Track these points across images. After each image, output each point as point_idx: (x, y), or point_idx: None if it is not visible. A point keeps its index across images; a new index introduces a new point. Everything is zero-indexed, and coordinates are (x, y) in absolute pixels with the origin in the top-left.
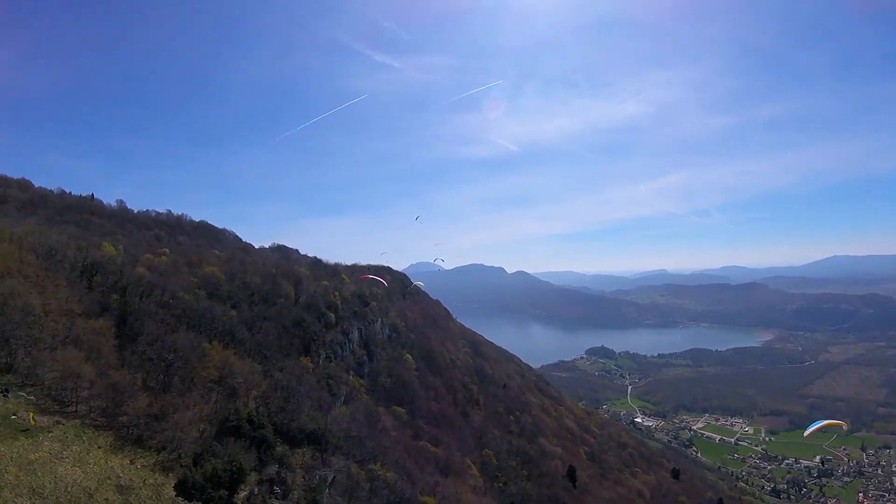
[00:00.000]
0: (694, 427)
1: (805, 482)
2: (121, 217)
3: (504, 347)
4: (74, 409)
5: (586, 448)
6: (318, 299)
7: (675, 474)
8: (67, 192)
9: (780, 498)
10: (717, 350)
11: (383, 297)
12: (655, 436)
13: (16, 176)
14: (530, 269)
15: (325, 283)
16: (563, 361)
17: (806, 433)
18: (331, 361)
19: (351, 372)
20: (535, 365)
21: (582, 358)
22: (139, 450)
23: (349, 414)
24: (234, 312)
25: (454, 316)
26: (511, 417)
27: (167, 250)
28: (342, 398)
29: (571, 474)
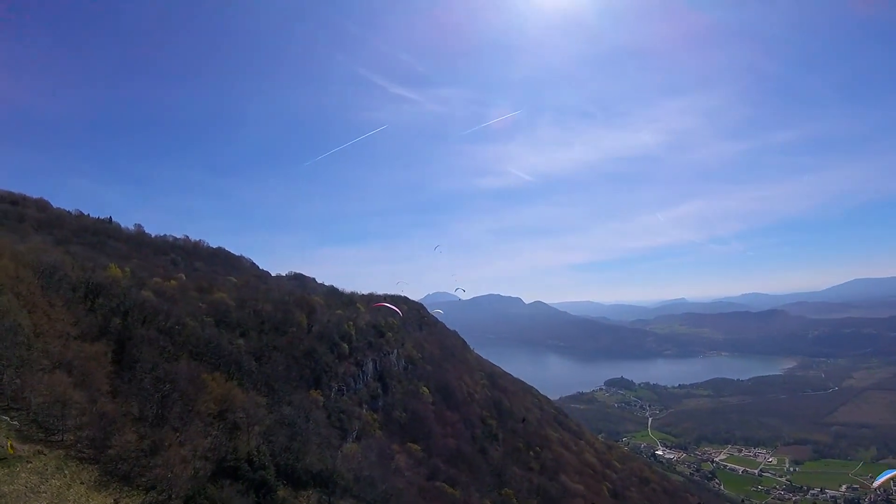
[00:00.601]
0: (716, 459)
1: None
2: (137, 241)
3: (522, 379)
4: (60, 438)
5: (608, 484)
6: (331, 329)
7: None
8: (85, 214)
9: None
10: (738, 379)
11: (399, 327)
12: (677, 469)
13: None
14: (548, 300)
15: (340, 312)
16: (582, 393)
17: (875, 484)
18: (343, 394)
19: (364, 406)
20: (553, 397)
21: (601, 389)
22: (126, 488)
23: (360, 452)
24: (241, 341)
25: (471, 347)
26: (531, 453)
27: (183, 276)
28: (354, 434)
29: None
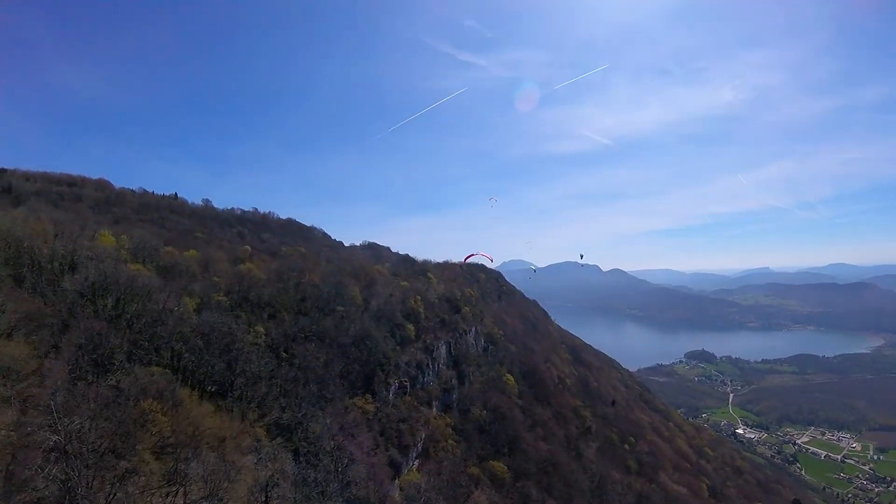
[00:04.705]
0: (798, 441)
1: None
2: (202, 215)
3: (601, 350)
4: None
5: (707, 480)
6: (393, 306)
7: None
8: (149, 191)
9: None
10: (823, 356)
11: (478, 299)
12: (757, 450)
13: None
14: (626, 267)
15: (406, 284)
16: (661, 365)
17: None
18: (405, 393)
19: (434, 403)
20: (632, 368)
21: (681, 362)
22: None
23: (423, 483)
24: (261, 328)
25: (551, 317)
26: (626, 446)
27: (248, 248)
28: (417, 449)
29: None
